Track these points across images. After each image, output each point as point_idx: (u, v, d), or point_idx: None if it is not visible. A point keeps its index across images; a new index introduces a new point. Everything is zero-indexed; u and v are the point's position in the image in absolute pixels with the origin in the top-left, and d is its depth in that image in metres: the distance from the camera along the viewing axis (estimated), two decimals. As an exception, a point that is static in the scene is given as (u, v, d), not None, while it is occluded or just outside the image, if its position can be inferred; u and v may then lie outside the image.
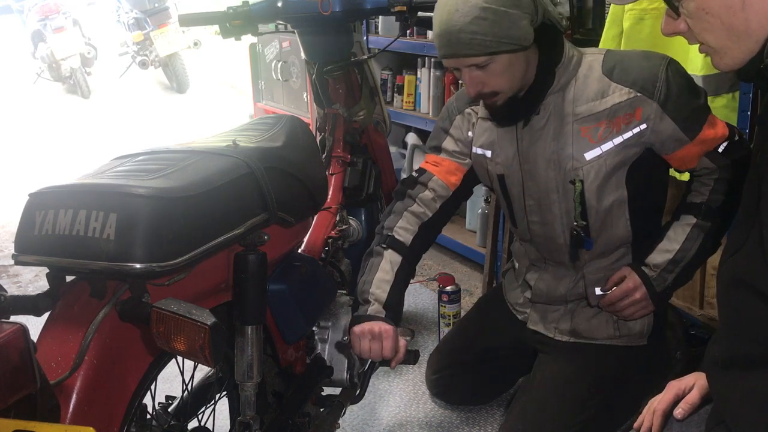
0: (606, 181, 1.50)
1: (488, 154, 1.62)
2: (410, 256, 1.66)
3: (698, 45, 0.97)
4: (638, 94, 1.44)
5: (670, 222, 1.58)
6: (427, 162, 1.71)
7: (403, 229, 1.66)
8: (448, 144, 1.68)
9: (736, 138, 1.50)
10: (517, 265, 1.80)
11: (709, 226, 1.52)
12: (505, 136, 1.58)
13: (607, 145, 1.48)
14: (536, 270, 1.71)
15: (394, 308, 1.57)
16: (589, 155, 1.49)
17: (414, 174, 1.71)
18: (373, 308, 1.55)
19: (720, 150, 1.48)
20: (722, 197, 1.51)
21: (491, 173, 1.64)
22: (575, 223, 1.54)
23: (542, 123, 1.51)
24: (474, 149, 1.64)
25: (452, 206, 1.71)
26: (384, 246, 1.64)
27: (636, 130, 1.46)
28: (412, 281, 1.73)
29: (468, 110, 1.66)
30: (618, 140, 1.47)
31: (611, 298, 1.58)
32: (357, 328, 1.52)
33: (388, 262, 1.62)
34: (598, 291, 1.61)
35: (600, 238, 1.57)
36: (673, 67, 1.45)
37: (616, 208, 1.53)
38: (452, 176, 1.68)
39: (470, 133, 1.65)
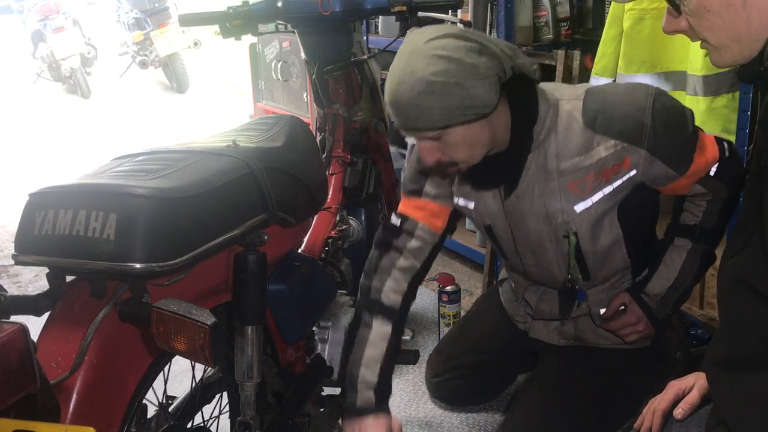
0: (599, 226, 1.44)
1: (471, 205, 1.51)
2: (399, 319, 1.53)
3: (699, 42, 0.97)
4: (625, 145, 1.35)
5: (665, 244, 1.55)
6: (407, 206, 1.55)
7: (393, 290, 1.52)
8: (429, 188, 1.53)
9: (727, 154, 1.44)
10: (513, 285, 1.77)
11: (705, 248, 1.51)
12: (488, 192, 1.48)
13: (597, 196, 1.40)
14: (535, 291, 1.67)
15: (385, 391, 1.48)
16: (579, 207, 1.41)
17: (395, 221, 1.55)
18: (363, 398, 1.45)
19: (712, 173, 1.44)
20: (716, 217, 1.49)
21: (477, 222, 1.56)
22: (569, 276, 1.48)
23: (526, 181, 1.41)
24: (455, 199, 1.53)
25: (439, 249, 1.59)
26: (372, 314, 1.51)
27: (626, 177, 1.39)
28: None
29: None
30: (608, 189, 1.40)
31: (613, 328, 1.57)
32: (348, 423, 1.45)
33: (377, 336, 1.49)
34: (602, 311, 1.59)
35: (598, 274, 1.54)
36: (658, 104, 1.34)
37: (613, 247, 1.49)
38: (437, 220, 1.55)
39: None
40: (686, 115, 1.41)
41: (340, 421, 1.55)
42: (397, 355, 1.55)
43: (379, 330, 1.50)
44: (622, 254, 1.51)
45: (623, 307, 1.57)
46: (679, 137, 1.38)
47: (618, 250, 1.50)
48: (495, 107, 1.25)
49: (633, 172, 1.38)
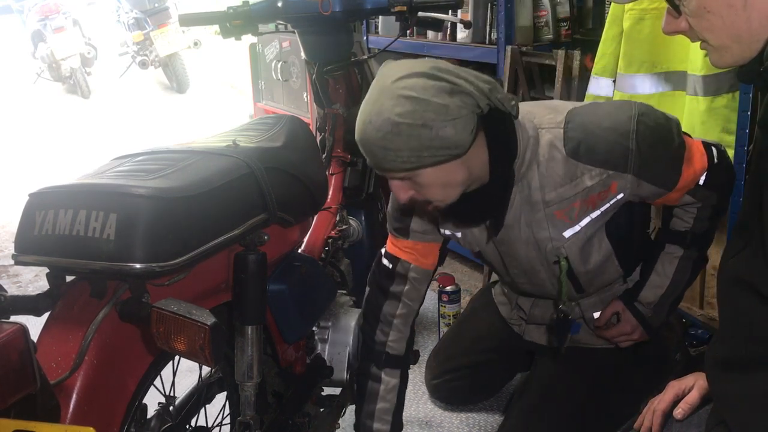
0: (588, 246, 1.43)
1: (458, 234, 1.50)
2: (406, 363, 1.59)
3: (699, 43, 0.97)
4: (610, 173, 1.32)
5: (655, 250, 1.54)
6: (396, 248, 1.53)
7: (396, 341, 1.55)
8: (416, 225, 1.49)
9: (716, 161, 1.42)
10: (506, 291, 1.78)
11: (696, 253, 1.51)
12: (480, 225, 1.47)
13: (585, 221, 1.38)
14: (529, 298, 1.68)
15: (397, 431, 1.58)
16: (568, 233, 1.40)
17: (386, 264, 1.54)
18: None
19: (701, 183, 1.41)
20: (707, 223, 1.49)
21: (466, 247, 1.54)
22: (561, 306, 1.46)
23: (511, 213, 1.39)
24: (443, 230, 1.50)
25: (432, 277, 1.59)
26: (380, 367, 1.55)
27: (613, 201, 1.36)
28: None
29: None
30: (596, 214, 1.38)
31: (607, 336, 1.58)
32: None
33: (386, 389, 1.54)
34: (595, 315, 1.60)
35: (592, 288, 1.55)
36: (642, 126, 1.30)
37: (605, 263, 1.48)
38: (428, 258, 1.53)
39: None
40: (672, 129, 1.36)
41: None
42: (405, 391, 1.61)
43: (389, 383, 1.55)
44: (615, 266, 1.52)
45: (617, 316, 1.57)
46: (665, 156, 1.34)
47: (610, 264, 1.50)
48: (469, 146, 1.19)
49: (620, 196, 1.36)
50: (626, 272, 1.58)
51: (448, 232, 1.50)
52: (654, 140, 1.31)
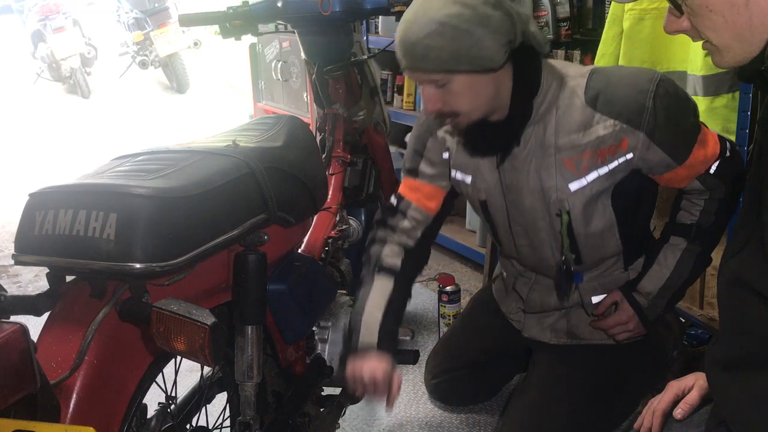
0: (592, 208, 1.45)
1: (468, 180, 1.53)
2: (402, 278, 1.58)
3: (701, 43, 0.97)
4: (624, 126, 1.35)
5: (660, 242, 1.54)
6: (404, 186, 1.61)
7: (390, 256, 1.59)
8: (425, 167, 1.58)
9: (728, 154, 1.44)
10: (505, 274, 1.78)
11: (700, 248, 1.50)
12: (486, 163, 1.49)
13: (592, 176, 1.41)
14: (526, 282, 1.68)
15: (388, 332, 1.52)
16: (573, 186, 1.42)
17: (393, 201, 1.62)
18: (365, 340, 1.49)
19: (711, 171, 1.43)
20: (713, 217, 1.48)
21: (472, 198, 1.57)
22: (563, 257, 1.48)
23: (524, 154, 1.43)
24: (453, 173, 1.55)
25: (436, 228, 1.64)
26: (374, 273, 1.57)
27: (622, 159, 1.39)
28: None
29: (440, 132, 1.55)
30: (603, 170, 1.40)
31: (603, 326, 1.57)
32: (349, 367, 1.47)
33: (378, 288, 1.55)
34: (594, 299, 1.59)
35: (590, 258, 1.54)
36: (662, 89, 1.35)
37: (605, 232, 1.49)
38: (431, 202, 1.59)
39: (445, 155, 1.55)
40: (690, 105, 1.41)
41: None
42: (404, 310, 1.60)
43: (380, 284, 1.56)
44: (615, 240, 1.51)
45: (615, 306, 1.57)
46: (680, 125, 1.38)
47: (611, 236, 1.50)
48: (501, 66, 1.28)
49: (630, 155, 1.38)
50: (626, 255, 1.57)
51: (458, 177, 1.54)
52: (671, 106, 1.35)
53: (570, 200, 1.43)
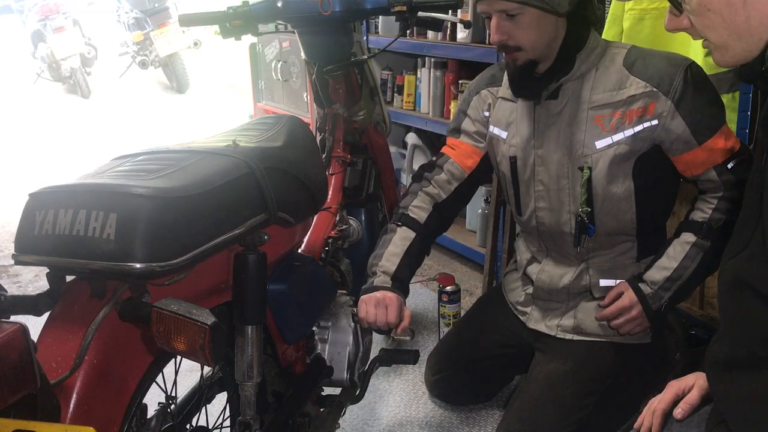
0: (613, 171, 1.52)
1: (503, 135, 1.65)
2: (424, 232, 1.70)
3: (700, 43, 0.97)
4: (654, 89, 1.47)
5: (671, 239, 1.58)
6: (446, 145, 1.77)
7: (417, 207, 1.71)
8: (467, 125, 1.73)
9: (747, 156, 1.49)
10: (518, 258, 1.81)
11: (709, 245, 1.52)
12: (523, 117, 1.60)
13: (618, 136, 1.50)
14: (538, 263, 1.72)
15: (402, 280, 1.63)
16: (599, 143, 1.51)
17: (433, 158, 1.77)
18: (380, 279, 1.60)
19: (729, 166, 1.48)
20: (724, 217, 1.50)
21: (504, 155, 1.66)
22: (580, 209, 1.55)
23: (560, 108, 1.54)
24: (490, 128, 1.68)
25: (468, 190, 1.76)
26: (398, 223, 1.70)
27: (647, 124, 1.48)
28: (411, 282, 1.72)
29: (484, 91, 1.71)
30: (629, 132, 1.49)
31: (607, 314, 1.58)
32: (364, 296, 1.57)
33: (400, 238, 1.67)
34: (602, 282, 1.62)
35: (604, 226, 1.58)
36: (695, 69, 1.47)
37: (622, 200, 1.55)
38: (468, 159, 1.73)
39: (486, 113, 1.69)
40: (718, 97, 1.51)
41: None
42: (420, 262, 1.71)
43: (402, 234, 1.69)
44: (631, 213, 1.56)
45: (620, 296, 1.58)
46: (705, 105, 1.47)
47: (627, 207, 1.55)
48: (565, 13, 1.43)
49: (655, 122, 1.48)
50: (640, 246, 1.60)
51: (495, 132, 1.67)
52: (699, 84, 1.47)
53: (593, 157, 1.52)
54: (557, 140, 1.56)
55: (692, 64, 1.48)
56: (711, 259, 1.53)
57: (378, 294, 1.56)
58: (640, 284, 1.56)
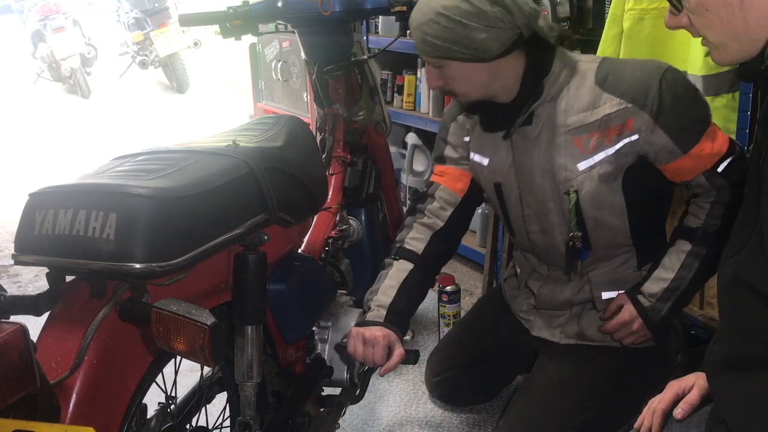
0: (601, 190, 1.47)
1: (485, 162, 1.60)
2: (423, 264, 1.63)
3: (699, 42, 0.98)
4: (629, 105, 1.40)
5: (666, 247, 1.55)
6: (434, 174, 1.72)
7: (413, 239, 1.65)
8: (449, 152, 1.68)
9: (737, 155, 1.44)
10: (518, 271, 1.79)
11: (705, 252, 1.49)
12: (501, 144, 1.55)
13: (600, 156, 1.44)
14: (539, 277, 1.69)
15: (398, 312, 1.55)
16: (581, 165, 1.46)
17: (423, 188, 1.72)
18: (374, 313, 1.54)
19: (719, 170, 1.43)
20: (718, 222, 1.47)
21: (487, 180, 1.62)
22: (571, 234, 1.51)
23: (536, 133, 1.49)
24: (471, 155, 1.63)
25: (464, 213, 1.69)
26: (395, 257, 1.64)
27: (627, 140, 1.42)
28: None
29: (461, 117, 1.65)
30: (611, 151, 1.44)
31: (608, 329, 1.57)
32: (353, 331, 1.51)
33: (396, 270, 1.61)
34: (605, 295, 1.59)
35: (599, 245, 1.55)
36: (670, 76, 1.40)
37: (614, 217, 1.51)
38: (458, 183, 1.68)
39: (466, 138, 1.64)
40: (699, 98, 1.45)
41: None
42: (422, 295, 1.67)
43: (399, 267, 1.63)
44: (625, 229, 1.53)
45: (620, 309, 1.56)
46: (686, 112, 1.41)
47: (620, 223, 1.52)
48: (497, 57, 1.38)
49: (635, 137, 1.42)
50: (639, 255, 1.58)
51: (476, 159, 1.62)
52: (677, 92, 1.40)
53: (578, 179, 1.47)
54: (538, 165, 1.50)
55: (667, 71, 1.41)
56: (709, 265, 1.51)
57: (367, 333, 1.48)
58: (638, 296, 1.54)
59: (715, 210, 1.48)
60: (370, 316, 1.54)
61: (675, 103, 1.39)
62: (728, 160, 1.44)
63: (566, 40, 1.47)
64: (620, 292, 1.58)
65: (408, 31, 1.71)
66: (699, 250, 1.50)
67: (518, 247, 1.76)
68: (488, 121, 1.55)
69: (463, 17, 1.33)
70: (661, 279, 1.52)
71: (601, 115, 1.43)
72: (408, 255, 1.64)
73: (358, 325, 1.54)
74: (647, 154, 1.44)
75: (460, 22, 1.33)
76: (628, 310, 1.54)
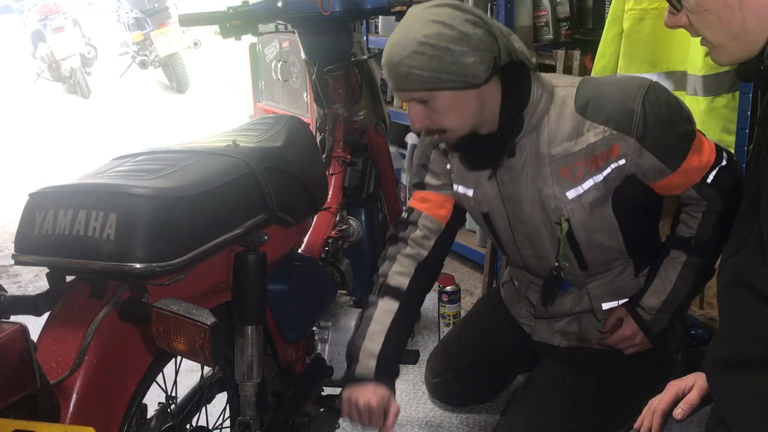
0: (592, 216, 1.44)
1: (470, 193, 1.54)
2: (408, 299, 1.56)
3: (699, 42, 0.98)
4: (614, 132, 1.35)
5: (661, 256, 1.54)
6: (414, 200, 1.62)
7: (398, 273, 1.57)
8: (430, 179, 1.60)
9: (725, 162, 1.43)
10: (516, 284, 1.78)
11: (700, 262, 1.49)
12: (485, 177, 1.50)
13: (588, 183, 1.41)
14: (537, 289, 1.68)
15: (388, 359, 1.50)
16: (570, 194, 1.42)
17: (403, 215, 1.63)
18: (363, 366, 1.48)
19: (708, 180, 1.42)
20: (711, 230, 1.46)
21: (474, 210, 1.57)
22: (556, 264, 1.49)
23: (520, 165, 1.43)
24: (455, 186, 1.56)
25: (448, 239, 1.63)
26: (379, 296, 1.56)
27: (614, 165, 1.38)
28: None
29: (443, 145, 1.56)
30: (599, 178, 1.40)
31: (610, 344, 1.57)
32: (345, 395, 1.47)
33: (382, 312, 1.53)
34: (605, 306, 1.59)
35: (595, 263, 1.54)
36: (652, 96, 1.35)
37: (608, 239, 1.49)
38: (441, 209, 1.59)
39: (448, 165, 1.56)
40: (682, 112, 1.40)
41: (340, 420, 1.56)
42: (409, 333, 1.60)
43: (384, 307, 1.54)
44: (619, 246, 1.51)
45: (620, 322, 1.56)
46: (671, 131, 1.37)
47: (614, 242, 1.50)
48: (485, 81, 1.30)
49: (622, 161, 1.38)
50: (636, 262, 1.57)
51: (460, 190, 1.55)
52: (661, 111, 1.35)
53: (568, 207, 1.43)
54: (526, 196, 1.45)
55: (648, 91, 1.35)
56: (705, 273, 1.51)
57: (360, 400, 1.44)
58: (638, 309, 1.53)
59: (708, 219, 1.47)
60: (359, 369, 1.48)
61: (659, 125, 1.35)
62: (716, 170, 1.42)
63: (537, 66, 1.38)
64: (620, 301, 1.58)
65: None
66: (694, 260, 1.49)
67: (512, 265, 1.75)
68: (471, 161, 1.48)
69: (449, 43, 1.25)
70: (659, 291, 1.52)
71: (585, 144, 1.38)
72: (393, 292, 1.55)
73: (348, 380, 1.49)
74: (635, 173, 1.41)
75: (446, 48, 1.25)
76: (630, 326, 1.54)
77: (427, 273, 1.61)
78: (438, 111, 1.33)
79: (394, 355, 1.52)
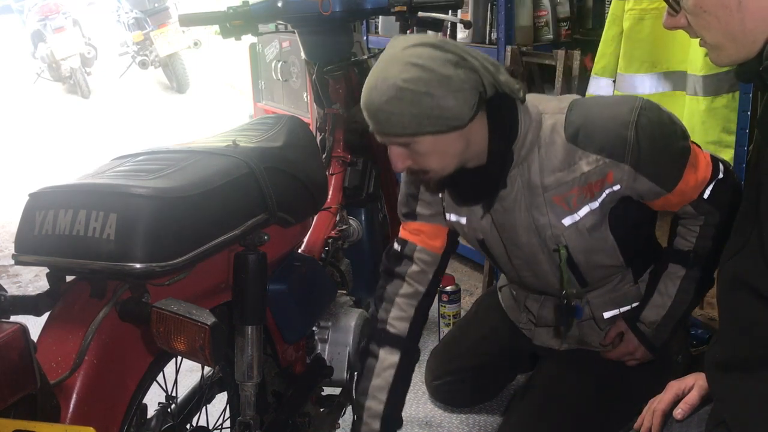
0: (590, 239, 1.42)
1: (463, 221, 1.50)
2: (409, 344, 1.56)
3: (699, 42, 0.98)
4: (607, 160, 1.32)
5: (659, 271, 1.53)
6: (405, 230, 1.56)
7: (398, 319, 1.54)
8: (422, 209, 1.53)
9: (721, 176, 1.40)
10: (515, 294, 1.78)
11: (700, 275, 1.48)
12: (477, 209, 1.47)
13: (584, 210, 1.38)
14: (536, 299, 1.68)
15: (392, 416, 1.52)
16: (567, 221, 1.40)
17: (396, 247, 1.56)
18: (368, 428, 1.50)
19: (705, 196, 1.40)
20: (710, 243, 1.45)
21: (470, 236, 1.54)
22: (564, 292, 1.47)
23: (512, 195, 1.40)
24: (447, 215, 1.51)
25: (444, 266, 1.59)
26: (379, 345, 1.53)
27: (609, 190, 1.36)
28: None
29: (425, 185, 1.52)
30: (594, 204, 1.38)
31: (612, 357, 1.57)
32: None
33: (382, 368, 1.52)
34: (606, 315, 1.59)
35: (594, 279, 1.54)
36: (644, 119, 1.30)
37: (607, 258, 1.48)
38: (436, 241, 1.54)
39: (440, 193, 1.51)
40: (676, 129, 1.35)
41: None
42: (410, 381, 1.58)
43: (385, 360, 1.52)
44: (619, 261, 1.50)
45: (621, 336, 1.57)
46: (666, 153, 1.33)
47: (614, 259, 1.49)
48: (469, 121, 1.24)
49: (617, 187, 1.35)
50: (635, 269, 1.56)
51: (453, 219, 1.51)
52: (654, 135, 1.31)
53: (566, 234, 1.41)
54: (521, 225, 1.43)
55: (640, 114, 1.30)
56: (704, 282, 1.50)
57: None
58: (639, 324, 1.53)
59: (706, 232, 1.45)
60: (365, 430, 1.51)
61: (653, 148, 1.31)
62: (713, 185, 1.40)
63: (524, 95, 1.31)
64: (621, 309, 1.58)
65: (409, 31, 1.68)
66: (694, 274, 1.48)
67: (510, 281, 1.74)
68: (462, 196, 1.45)
69: (429, 87, 1.18)
70: (659, 306, 1.51)
71: (579, 173, 1.34)
72: (393, 341, 1.53)
73: None
74: (631, 195, 1.39)
75: (426, 93, 1.19)
76: (631, 341, 1.54)
77: (426, 304, 1.58)
78: (420, 154, 1.27)
79: (397, 409, 1.54)
